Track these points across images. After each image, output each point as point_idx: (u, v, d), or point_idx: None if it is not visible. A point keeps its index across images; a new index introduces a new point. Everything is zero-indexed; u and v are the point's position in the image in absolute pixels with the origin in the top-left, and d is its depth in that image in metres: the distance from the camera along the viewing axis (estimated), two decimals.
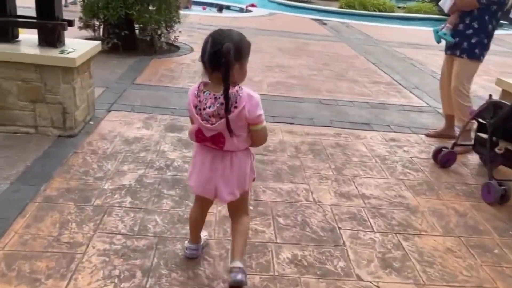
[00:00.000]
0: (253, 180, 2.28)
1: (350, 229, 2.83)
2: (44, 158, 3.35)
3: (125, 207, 2.82)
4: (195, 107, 1.98)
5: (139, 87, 5.33)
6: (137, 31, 7.37)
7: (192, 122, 2.09)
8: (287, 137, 4.23)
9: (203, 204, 2.33)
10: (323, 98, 5.61)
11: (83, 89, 3.89)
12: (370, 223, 2.92)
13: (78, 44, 3.91)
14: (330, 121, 4.80)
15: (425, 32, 13.28)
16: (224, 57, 1.84)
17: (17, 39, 3.79)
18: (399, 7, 19.40)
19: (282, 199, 3.10)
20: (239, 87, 1.98)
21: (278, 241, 2.64)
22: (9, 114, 3.64)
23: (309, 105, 5.30)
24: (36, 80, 3.57)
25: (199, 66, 1.99)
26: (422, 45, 10.48)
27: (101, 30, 7.21)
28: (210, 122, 1.97)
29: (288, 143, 4.09)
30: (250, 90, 2.01)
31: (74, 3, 10.60)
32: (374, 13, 17.33)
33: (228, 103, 1.90)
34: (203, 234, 2.53)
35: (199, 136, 2.05)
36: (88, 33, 7.19)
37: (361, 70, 7.38)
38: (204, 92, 1.97)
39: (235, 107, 1.93)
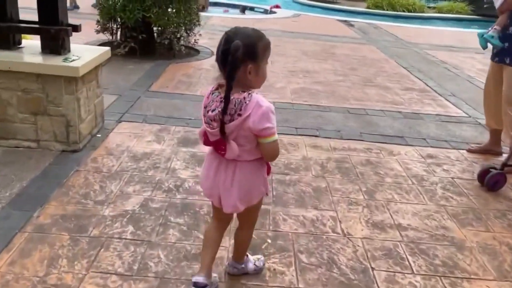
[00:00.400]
0: (266, 194, 2.07)
1: (386, 270, 2.40)
2: (43, 177, 3.04)
3: (125, 238, 2.47)
4: (205, 107, 1.88)
5: (153, 94, 5.01)
6: (156, 35, 7.09)
7: None
8: (311, 152, 3.82)
9: (220, 218, 2.11)
10: (351, 107, 5.17)
11: (89, 99, 3.59)
12: (409, 263, 2.48)
13: (85, 51, 3.60)
14: (360, 133, 4.37)
15: (458, 33, 12.65)
16: (231, 54, 1.70)
17: (20, 46, 3.51)
18: (429, 7, 18.67)
19: (306, 230, 2.70)
20: (249, 93, 1.79)
21: (301, 285, 2.24)
22: (9, 127, 3.36)
23: (335, 115, 4.87)
24: (37, 90, 3.27)
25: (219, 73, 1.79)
26: (455, 48, 9.88)
27: (119, 33, 6.96)
28: (210, 126, 1.84)
29: (312, 159, 3.69)
30: (262, 99, 1.82)
31: (72, 8, 10.09)
32: (403, 13, 16.68)
33: (226, 107, 1.75)
34: (214, 275, 2.16)
35: (206, 138, 1.93)
36: (106, 36, 6.96)
37: (391, 75, 6.89)
38: (213, 93, 1.86)
39: (239, 114, 1.77)
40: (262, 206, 2.84)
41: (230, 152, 1.84)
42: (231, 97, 1.75)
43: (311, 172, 3.47)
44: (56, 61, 3.25)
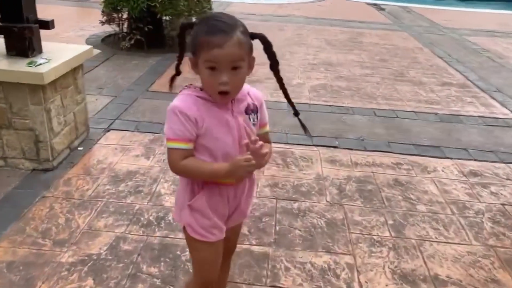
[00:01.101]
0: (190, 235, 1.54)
1: None
2: (1, 205, 2.55)
3: None
4: None
5: (153, 95, 4.46)
6: (164, 26, 6.53)
7: None
8: (328, 169, 3.20)
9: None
10: (378, 108, 4.48)
11: (66, 108, 3.07)
12: None
13: (60, 51, 3.07)
14: (387, 143, 3.70)
15: (502, 16, 11.51)
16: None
17: None
18: None
19: (313, 286, 2.10)
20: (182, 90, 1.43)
21: None
22: None
23: (360, 118, 4.20)
24: None
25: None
26: (500, 33, 8.88)
27: (126, 24, 6.44)
28: None
29: (328, 179, 3.06)
30: (182, 96, 1.40)
31: None
32: None
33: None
34: None
35: None
36: (112, 28, 6.45)
37: (426, 68, 6.10)
38: None
39: None
40: (261, 249, 2.28)
41: None
42: None
43: (326, 197, 2.85)
44: (19, 65, 2.74)
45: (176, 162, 1.38)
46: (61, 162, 3.04)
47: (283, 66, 5.72)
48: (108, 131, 3.60)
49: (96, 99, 4.23)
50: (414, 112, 4.43)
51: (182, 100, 1.37)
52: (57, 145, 2.97)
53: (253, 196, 1.64)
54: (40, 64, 2.76)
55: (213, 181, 1.44)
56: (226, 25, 1.30)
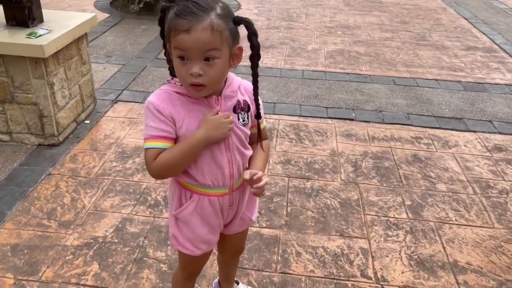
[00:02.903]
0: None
1: None
2: (6, 183, 2.50)
3: (84, 285, 1.90)
4: None
5: (162, 63, 4.30)
6: None
7: None
8: (343, 144, 3.05)
9: None
10: (398, 76, 4.25)
11: (70, 81, 2.95)
12: None
13: (62, 20, 2.92)
14: (406, 114, 3.51)
15: None
16: None
17: None
18: None
19: (325, 273, 2.02)
20: (167, 83, 1.27)
21: None
22: None
23: (378, 87, 4.00)
24: (0, 74, 2.67)
25: (245, 30, 1.18)
26: None
27: None
28: None
29: (344, 155, 2.93)
30: (159, 90, 1.25)
31: None
32: None
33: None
34: None
35: None
36: None
37: (450, 30, 5.77)
38: None
39: None
40: (271, 232, 2.20)
41: None
42: None
43: (341, 175, 2.72)
44: (18, 37, 2.60)
45: (150, 163, 1.19)
46: (67, 137, 2.96)
47: (299, 30, 5.56)
48: (116, 102, 3.49)
49: (104, 68, 4.10)
50: (436, 80, 4.20)
51: (157, 95, 1.20)
52: (62, 120, 2.87)
53: (256, 201, 1.50)
54: (41, 35, 2.63)
55: (203, 192, 1.29)
56: (199, 6, 1.07)
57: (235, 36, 1.14)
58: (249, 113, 1.28)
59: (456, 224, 2.36)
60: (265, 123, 1.39)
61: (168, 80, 1.27)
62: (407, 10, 6.69)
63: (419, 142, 3.12)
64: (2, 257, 2.01)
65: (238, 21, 1.13)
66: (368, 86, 4.00)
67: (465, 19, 6.33)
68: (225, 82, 1.24)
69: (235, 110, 1.24)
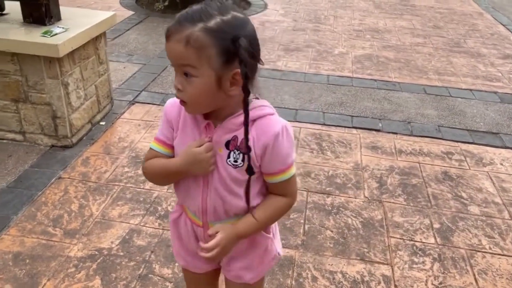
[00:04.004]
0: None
1: None
2: (15, 186, 2.42)
3: None
4: None
5: None
6: None
7: None
8: (368, 157, 2.87)
9: None
10: (429, 85, 4.03)
11: (86, 81, 2.87)
12: None
13: (80, 19, 2.84)
14: (437, 127, 3.30)
15: None
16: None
17: (3, 13, 2.81)
18: None
19: None
20: None
21: None
22: None
23: (407, 96, 3.78)
24: (14, 73, 2.60)
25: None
26: None
27: None
28: None
29: (368, 170, 2.74)
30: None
31: None
32: None
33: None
34: None
35: None
36: None
37: (486, 37, 5.47)
38: None
39: None
40: (286, 252, 2.05)
41: None
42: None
43: (364, 191, 2.55)
44: (33, 35, 2.53)
45: (144, 162, 1.17)
46: (81, 139, 2.87)
47: (326, 32, 5.36)
48: (133, 103, 3.39)
49: (124, 67, 4.02)
50: (471, 90, 3.95)
51: (174, 98, 1.09)
52: (76, 121, 2.79)
53: (262, 262, 1.24)
54: (56, 34, 2.54)
55: (184, 209, 1.20)
56: (192, 14, 0.94)
57: (230, 58, 0.95)
58: (247, 157, 1.03)
59: (490, 253, 2.15)
60: (289, 174, 1.09)
61: None
62: (441, 14, 6.40)
63: (450, 158, 2.91)
64: (3, 266, 1.93)
65: (235, 41, 0.93)
66: (397, 95, 3.79)
67: (503, 25, 6.01)
68: (238, 109, 1.03)
69: (228, 146, 1.05)
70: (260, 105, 1.05)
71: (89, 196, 2.38)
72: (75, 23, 2.73)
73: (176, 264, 1.98)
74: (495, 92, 3.93)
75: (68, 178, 2.52)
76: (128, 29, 5.02)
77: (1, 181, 2.46)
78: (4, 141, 2.81)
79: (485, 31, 5.69)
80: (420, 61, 4.58)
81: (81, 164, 2.64)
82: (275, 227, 1.28)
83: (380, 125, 3.28)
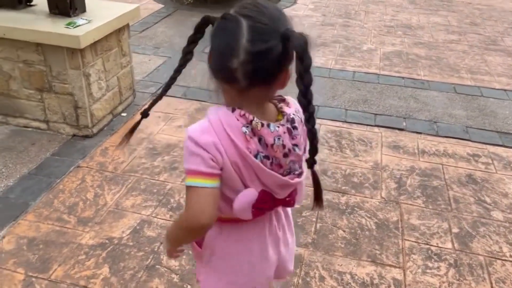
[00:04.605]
0: None
1: None
2: (36, 173, 2.49)
3: None
4: (256, 155, 0.99)
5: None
6: None
7: (232, 187, 1.03)
8: (388, 157, 2.79)
9: None
10: (460, 83, 3.87)
11: (108, 72, 2.91)
12: None
13: (104, 10, 2.88)
14: (465, 127, 3.17)
15: None
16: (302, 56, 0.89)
17: (31, 4, 2.89)
18: None
19: None
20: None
21: None
22: (16, 104, 2.84)
23: (435, 95, 3.65)
24: (38, 63, 2.67)
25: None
26: None
27: None
28: (296, 172, 1.09)
29: (387, 170, 2.66)
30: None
31: None
32: None
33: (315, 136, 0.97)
34: None
35: (260, 206, 1.06)
36: None
37: None
38: (267, 125, 0.99)
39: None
40: (295, 249, 2.02)
41: (300, 195, 1.16)
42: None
43: (381, 192, 2.47)
44: (57, 26, 2.58)
45: None
46: (102, 129, 2.93)
47: (355, 28, 5.25)
48: (155, 96, 3.42)
49: (149, 60, 4.07)
50: (505, 90, 3.78)
51: None
52: (97, 112, 2.84)
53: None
54: (79, 25, 2.59)
55: None
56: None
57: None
58: None
59: (510, 261, 2.05)
60: (186, 181, 0.99)
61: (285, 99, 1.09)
62: (479, 10, 6.14)
63: (476, 161, 2.79)
64: (18, 251, 1.99)
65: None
66: (425, 93, 3.67)
67: None
68: None
69: None
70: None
71: (104, 185, 2.42)
72: (99, 15, 2.78)
73: (184, 256, 1.98)
74: None
75: (86, 167, 2.57)
76: (157, 22, 5.07)
77: (23, 168, 2.54)
78: (29, 129, 2.90)
79: None
80: (452, 59, 4.41)
81: (100, 154, 2.69)
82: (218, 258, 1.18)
83: (404, 124, 3.18)
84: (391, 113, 3.32)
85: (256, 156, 0.98)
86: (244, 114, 0.96)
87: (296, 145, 1.03)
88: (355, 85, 3.76)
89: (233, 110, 0.97)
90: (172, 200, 2.34)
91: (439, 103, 3.51)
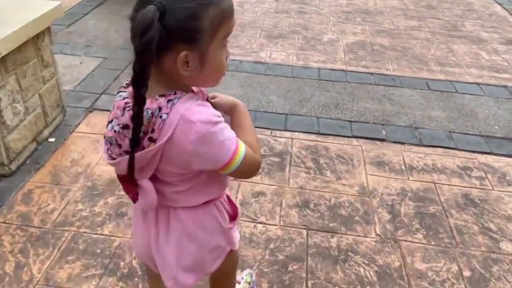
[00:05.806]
0: (231, 252, 1.26)
1: None
2: None
3: None
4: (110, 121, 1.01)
5: None
6: None
7: None
8: (374, 177, 2.41)
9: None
10: (432, 78, 3.57)
11: (26, 91, 2.28)
12: None
13: (13, 13, 2.23)
14: (448, 133, 2.86)
15: None
16: (138, 33, 0.87)
17: None
18: None
19: None
20: (170, 99, 0.94)
21: None
22: None
23: (410, 93, 3.32)
24: None
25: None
26: None
27: None
28: (109, 153, 1.02)
29: (376, 195, 2.29)
30: (193, 107, 0.94)
31: None
32: None
33: (137, 129, 0.91)
34: None
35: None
36: None
37: (484, 18, 5.03)
38: (119, 93, 1.05)
39: (151, 139, 0.94)
40: None
41: (143, 199, 1.05)
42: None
43: (375, 226, 2.09)
44: None
45: (258, 158, 1.07)
46: (23, 163, 2.31)
47: (312, 15, 4.78)
48: (91, 111, 2.82)
49: (81, 62, 3.41)
50: (478, 84, 3.52)
51: (205, 108, 0.97)
52: (14, 143, 2.22)
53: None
54: None
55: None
56: None
57: None
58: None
59: None
60: None
61: (175, 95, 0.94)
62: None
63: (469, 175, 2.49)
64: None
65: None
66: (398, 92, 3.33)
67: (499, 4, 5.57)
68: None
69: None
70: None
71: (29, 249, 1.85)
72: (6, 20, 2.13)
73: None
74: (505, 86, 3.50)
75: (4, 223, 1.97)
76: (87, 13, 4.35)
77: None
78: None
79: (482, 12, 5.24)
80: (418, 48, 4.11)
81: (22, 201, 2.09)
82: None
83: (384, 132, 2.82)
84: (367, 119, 2.95)
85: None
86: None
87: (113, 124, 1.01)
88: (322, 85, 3.35)
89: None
90: (122, 264, 1.82)
91: (415, 103, 3.18)
